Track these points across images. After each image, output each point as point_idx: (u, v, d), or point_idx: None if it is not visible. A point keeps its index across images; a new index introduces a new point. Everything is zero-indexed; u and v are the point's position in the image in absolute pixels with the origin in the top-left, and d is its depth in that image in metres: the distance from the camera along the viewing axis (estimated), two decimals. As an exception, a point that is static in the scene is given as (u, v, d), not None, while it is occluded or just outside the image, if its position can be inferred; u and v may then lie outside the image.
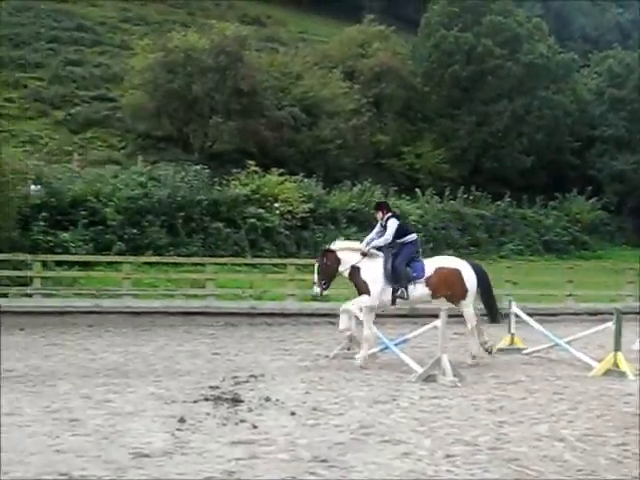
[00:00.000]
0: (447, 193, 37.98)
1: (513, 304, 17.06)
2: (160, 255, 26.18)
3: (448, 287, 15.14)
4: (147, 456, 8.46)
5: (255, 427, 9.80)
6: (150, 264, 25.35)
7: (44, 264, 22.67)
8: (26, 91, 45.02)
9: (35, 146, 39.66)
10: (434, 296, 15.24)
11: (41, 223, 26.34)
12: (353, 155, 41.73)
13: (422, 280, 15.05)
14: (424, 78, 45.98)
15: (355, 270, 15.02)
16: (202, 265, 24.42)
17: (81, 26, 54.19)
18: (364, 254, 15.11)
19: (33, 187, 28.33)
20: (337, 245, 15.48)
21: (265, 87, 40.36)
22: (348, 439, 9.38)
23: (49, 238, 26.02)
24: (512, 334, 17.00)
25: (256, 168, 32.23)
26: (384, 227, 15.42)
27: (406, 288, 14.95)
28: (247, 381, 12.87)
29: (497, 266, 28.77)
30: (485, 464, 8.57)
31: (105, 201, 28.27)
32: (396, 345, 14.69)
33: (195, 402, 11.17)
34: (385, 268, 14.98)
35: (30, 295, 21.71)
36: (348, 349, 15.70)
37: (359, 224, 32.77)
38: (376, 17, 49.89)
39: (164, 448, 8.78)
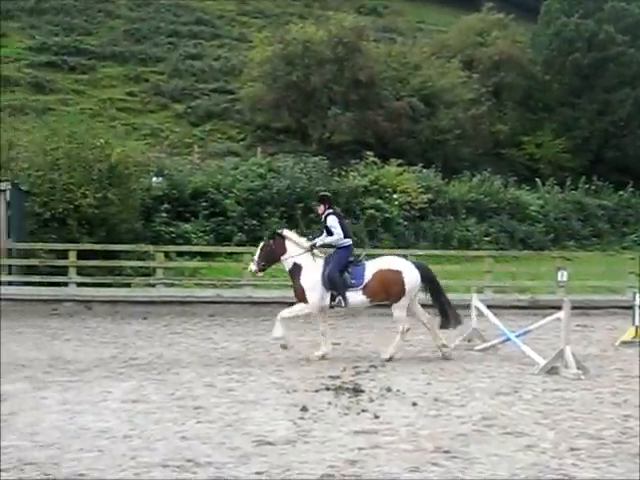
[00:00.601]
0: (568, 183, 37.12)
1: (637, 296, 16.53)
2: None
3: (386, 291, 14.29)
4: (270, 444, 8.51)
5: (377, 417, 9.76)
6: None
7: (166, 255, 23.10)
8: (147, 85, 46.04)
9: (156, 139, 40.50)
10: (372, 301, 14.53)
11: (163, 215, 26.89)
12: (472, 145, 41.31)
13: (360, 288, 14.19)
14: (544, 66, 45.10)
15: (296, 269, 14.27)
16: (320, 256, 24.47)
17: (200, 20, 55.14)
18: (310, 249, 14.31)
19: (155, 179, 28.94)
20: (286, 233, 14.65)
21: (383, 77, 40.28)
22: (470, 431, 9.25)
23: (171, 229, 26.56)
24: (637, 326, 16.49)
25: (374, 159, 32.20)
26: (324, 224, 14.53)
27: (343, 296, 14.10)
28: (367, 371, 12.85)
29: (619, 258, 27.99)
30: (610, 458, 8.32)
31: (225, 193, 28.67)
32: (517, 337, 14.40)
33: (316, 391, 11.19)
34: (322, 274, 14.13)
35: (153, 285, 22.15)
36: (469, 341, 15.51)
37: (478, 214, 32.43)
38: (494, 5, 49.20)
39: (287, 436, 8.82)
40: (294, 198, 28.83)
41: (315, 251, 14.40)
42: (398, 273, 14.14)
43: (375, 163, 32.08)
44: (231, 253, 25.23)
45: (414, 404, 10.49)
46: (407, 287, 14.11)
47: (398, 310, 14.19)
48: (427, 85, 40.99)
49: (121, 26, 52.49)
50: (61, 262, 21.99)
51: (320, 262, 14.24)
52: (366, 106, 38.38)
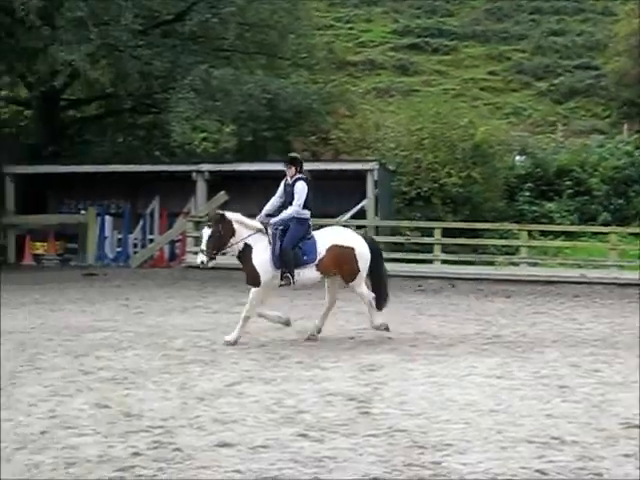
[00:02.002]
0: None
1: None
2: (649, 226, 25.30)
3: (339, 268, 13.04)
4: (638, 427, 8.25)
5: None
6: (637, 235, 24.60)
7: (530, 234, 22.97)
8: (509, 63, 45.84)
9: (519, 117, 40.27)
10: (323, 277, 13.24)
11: (526, 193, 26.76)
12: None
13: (314, 264, 12.99)
14: None
15: (247, 249, 12.94)
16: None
17: (565, -5, 53.91)
18: (262, 230, 12.95)
19: (518, 158, 28.84)
20: (232, 216, 13.12)
21: None
22: None
23: (534, 208, 26.37)
24: None
25: None
26: (291, 189, 13.07)
27: (292, 274, 12.88)
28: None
29: None
30: None
31: (590, 171, 27.97)
32: None
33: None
34: (273, 250, 12.87)
35: (516, 264, 22.14)
36: None
37: None
38: None
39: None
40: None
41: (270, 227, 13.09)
42: (351, 249, 13.13)
43: None
44: (596, 233, 24.60)
45: None
46: (360, 265, 13.12)
47: (358, 287, 13.26)
48: None
49: (482, 5, 52.62)
50: (426, 240, 22.60)
51: (270, 240, 13.00)
52: None
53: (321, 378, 10.22)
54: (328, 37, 38.25)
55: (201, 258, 12.81)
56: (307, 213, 13.10)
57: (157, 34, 26.85)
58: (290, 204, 12.98)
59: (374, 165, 23.54)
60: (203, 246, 12.86)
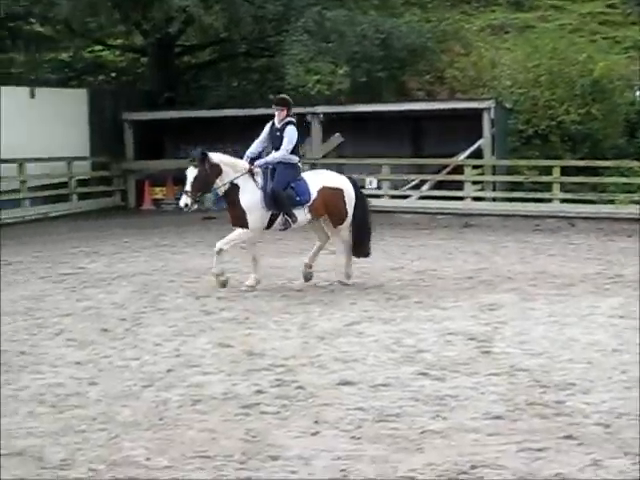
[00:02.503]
0: None
1: None
2: None
3: (329, 210, 12.56)
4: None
5: None
6: None
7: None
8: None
9: (639, 52, 38.94)
10: (312, 220, 12.69)
11: (647, 130, 25.93)
12: None
13: (307, 205, 12.44)
14: None
15: (234, 189, 12.32)
16: None
17: None
18: (251, 171, 12.34)
19: (639, 93, 27.93)
20: (218, 157, 12.45)
21: None
22: None
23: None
24: None
25: None
26: (280, 133, 12.42)
27: (290, 214, 12.32)
28: None
29: None
30: None
31: None
32: None
33: None
34: (264, 191, 12.25)
35: (638, 202, 21.56)
36: None
37: None
38: None
39: None
40: None
41: (256, 170, 12.47)
42: (340, 191, 12.67)
43: None
44: None
45: None
46: (348, 207, 12.64)
47: (344, 231, 12.73)
48: None
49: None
50: (544, 179, 22.21)
51: (259, 181, 12.42)
52: None
53: (440, 318, 10.22)
54: (441, -26, 37.62)
55: (185, 201, 12.09)
56: (295, 159, 12.55)
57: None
58: (277, 149, 12.43)
59: (490, 103, 23.16)
60: (188, 187, 12.10)
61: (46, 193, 23.27)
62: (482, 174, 23.16)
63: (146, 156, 26.80)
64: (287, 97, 13.20)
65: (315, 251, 12.85)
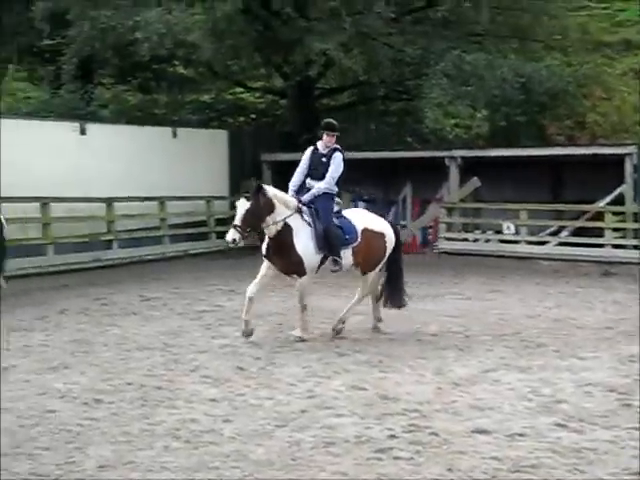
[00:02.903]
0: None
1: None
2: None
3: (368, 254, 11.64)
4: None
5: None
6: None
7: None
8: None
9: None
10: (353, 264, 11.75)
11: None
12: None
13: (352, 245, 11.52)
14: None
15: (287, 230, 11.21)
16: None
17: None
18: (299, 209, 11.27)
19: None
20: (271, 190, 11.24)
21: None
22: None
23: None
24: None
25: None
26: (326, 160, 11.45)
27: (339, 255, 11.35)
28: None
29: None
30: None
31: None
32: None
33: None
34: (315, 231, 11.19)
35: None
36: None
37: None
38: None
39: None
40: None
41: (304, 207, 11.40)
42: (382, 235, 11.84)
43: None
44: None
45: None
46: (386, 254, 11.86)
47: (375, 277, 11.97)
48: None
49: None
50: None
51: (307, 219, 11.37)
52: None
53: (579, 368, 9.96)
54: (582, 18, 37.04)
55: (233, 235, 10.89)
56: (336, 189, 11.68)
57: (408, 21, 26.92)
58: (319, 178, 11.52)
59: (633, 149, 22.56)
60: (237, 221, 10.96)
61: (186, 231, 23.80)
62: (623, 221, 22.54)
63: (283, 196, 27.15)
64: (333, 122, 11.82)
65: (374, 307, 12.30)
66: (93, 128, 21.72)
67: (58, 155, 20.17)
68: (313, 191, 11.42)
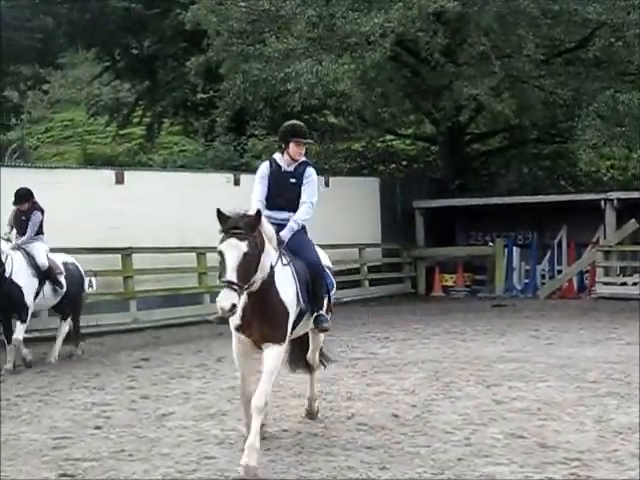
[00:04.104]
0: None
1: None
2: None
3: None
4: None
5: None
6: None
7: None
8: None
9: None
10: None
11: None
12: None
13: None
14: None
15: (269, 280, 7.73)
16: None
17: None
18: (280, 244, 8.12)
19: None
20: (265, 223, 7.81)
21: None
22: None
23: None
24: None
25: None
26: (295, 179, 8.63)
27: (321, 306, 8.57)
28: None
29: None
30: None
31: None
32: None
33: None
34: (298, 275, 8.10)
35: None
36: None
37: None
38: None
39: None
40: None
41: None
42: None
43: None
44: None
45: None
46: None
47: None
48: None
49: None
50: None
51: (285, 261, 8.06)
52: None
53: None
54: None
55: (231, 300, 7.00)
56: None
57: (559, 63, 26.61)
58: (290, 203, 8.72)
59: None
60: (231, 276, 7.13)
61: (339, 279, 23.98)
62: None
63: (436, 243, 27.11)
64: (304, 125, 8.97)
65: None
66: (247, 179, 22.25)
67: (212, 206, 20.73)
68: (291, 224, 8.55)
